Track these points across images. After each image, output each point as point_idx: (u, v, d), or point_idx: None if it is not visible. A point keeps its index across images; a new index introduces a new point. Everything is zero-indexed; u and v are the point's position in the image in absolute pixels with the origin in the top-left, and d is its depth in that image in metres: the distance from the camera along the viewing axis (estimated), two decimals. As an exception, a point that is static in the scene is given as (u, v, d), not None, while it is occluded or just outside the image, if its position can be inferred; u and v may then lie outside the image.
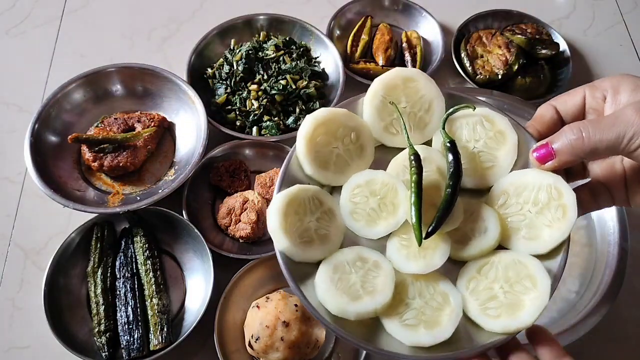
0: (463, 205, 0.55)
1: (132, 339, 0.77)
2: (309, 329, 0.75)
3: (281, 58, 1.00)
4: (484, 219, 0.55)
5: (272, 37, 1.05)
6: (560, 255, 0.53)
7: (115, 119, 0.95)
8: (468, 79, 1.05)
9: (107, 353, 0.77)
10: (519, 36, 1.06)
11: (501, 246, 0.55)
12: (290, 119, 0.97)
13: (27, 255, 0.89)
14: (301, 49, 1.03)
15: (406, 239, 0.55)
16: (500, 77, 1.02)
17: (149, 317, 0.80)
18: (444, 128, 0.57)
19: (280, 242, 0.53)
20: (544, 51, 1.06)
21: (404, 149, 0.58)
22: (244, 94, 0.97)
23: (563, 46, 1.10)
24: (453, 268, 0.55)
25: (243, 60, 0.98)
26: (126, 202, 0.88)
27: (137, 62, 0.98)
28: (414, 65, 1.06)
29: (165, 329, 0.78)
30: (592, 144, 0.50)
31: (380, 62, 1.06)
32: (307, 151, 0.56)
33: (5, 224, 0.92)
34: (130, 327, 0.78)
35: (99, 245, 0.84)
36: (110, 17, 1.17)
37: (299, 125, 0.85)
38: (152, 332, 0.78)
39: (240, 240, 0.88)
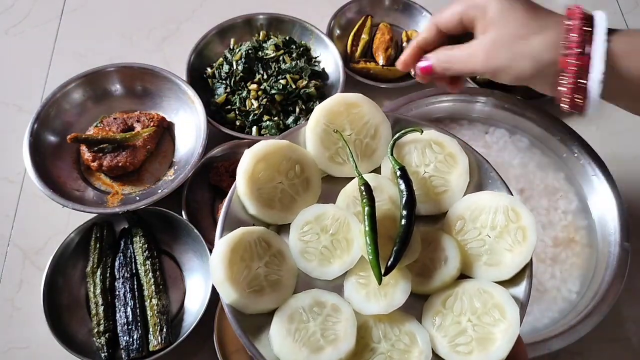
0: (420, 235, 0.53)
1: (131, 340, 0.77)
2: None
3: (281, 57, 1.00)
4: (444, 248, 0.52)
5: (272, 36, 1.05)
6: (525, 281, 0.51)
7: (114, 118, 0.94)
8: (469, 79, 1.04)
9: (106, 354, 0.77)
10: None
11: (463, 275, 0.53)
12: (290, 119, 0.97)
13: (26, 255, 0.89)
14: (301, 49, 1.03)
15: (364, 276, 0.52)
16: None
17: (149, 317, 0.79)
18: (392, 154, 0.55)
19: (228, 294, 0.48)
20: None
21: (352, 178, 0.56)
22: (244, 94, 0.97)
23: None
24: (416, 302, 0.52)
25: (243, 59, 0.98)
26: (125, 202, 0.88)
27: (137, 62, 0.98)
28: None
29: (164, 330, 0.78)
30: (456, 70, 0.65)
31: (381, 61, 1.05)
32: (248, 190, 0.52)
33: (4, 224, 0.92)
34: (130, 327, 0.78)
35: (98, 246, 0.83)
36: (110, 16, 1.17)
37: (300, 124, 0.84)
38: (151, 333, 0.78)
39: None
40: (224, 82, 0.99)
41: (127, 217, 0.86)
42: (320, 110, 0.56)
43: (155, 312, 0.79)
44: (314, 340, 0.48)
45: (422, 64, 0.67)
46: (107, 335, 0.78)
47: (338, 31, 1.11)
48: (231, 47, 1.04)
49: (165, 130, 0.98)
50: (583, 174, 0.85)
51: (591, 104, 0.58)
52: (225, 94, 0.98)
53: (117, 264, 0.84)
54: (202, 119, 0.91)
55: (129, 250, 0.85)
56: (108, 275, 0.83)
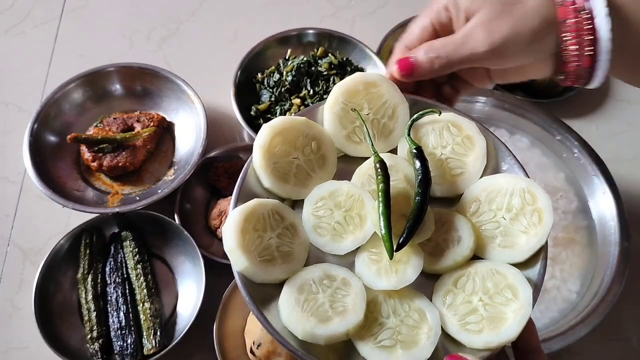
0: (434, 215, 0.53)
1: (125, 344, 0.77)
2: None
3: (332, 77, 0.96)
4: (457, 229, 0.52)
5: (329, 54, 1.00)
6: (539, 263, 0.51)
7: (114, 118, 0.94)
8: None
9: (100, 359, 0.77)
10: None
11: (476, 256, 0.53)
12: None
13: (26, 255, 0.89)
14: (356, 72, 0.99)
15: (376, 253, 0.52)
16: None
17: (142, 321, 0.79)
18: (409, 135, 0.55)
19: (239, 262, 0.49)
20: None
21: (368, 158, 0.56)
22: (287, 106, 0.94)
23: None
24: (427, 282, 0.52)
25: (293, 72, 0.96)
26: (125, 202, 0.88)
27: (137, 62, 0.98)
28: None
29: (158, 333, 0.78)
30: (449, 60, 0.53)
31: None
32: (264, 163, 0.53)
33: (4, 224, 0.92)
34: (123, 332, 0.78)
35: (88, 251, 0.83)
36: (110, 16, 1.17)
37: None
38: (145, 337, 0.78)
39: None
40: (270, 90, 0.97)
41: (116, 220, 0.86)
42: (339, 88, 0.56)
43: (148, 315, 0.79)
44: (322, 311, 0.48)
45: (399, 58, 0.56)
46: (100, 341, 0.78)
47: (392, 44, 1.03)
48: (286, 57, 1.01)
49: (165, 130, 0.98)
50: (583, 174, 0.85)
51: (600, 59, 0.51)
52: (269, 102, 0.96)
53: (107, 269, 0.84)
54: (202, 119, 0.91)
55: (120, 255, 0.84)
56: (99, 280, 0.83)
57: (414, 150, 0.53)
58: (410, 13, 1.07)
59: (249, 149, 0.95)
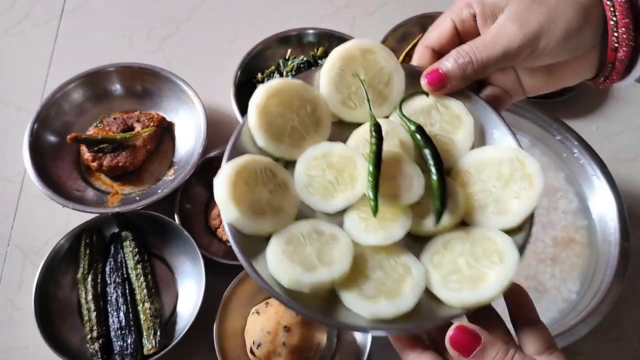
0: (425, 180, 0.53)
1: (125, 344, 0.77)
2: (310, 333, 0.75)
3: None
4: (449, 194, 0.53)
5: (329, 54, 1.00)
6: (526, 229, 0.52)
7: (114, 118, 0.94)
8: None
9: (100, 359, 0.77)
10: None
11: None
12: None
13: (26, 255, 0.89)
14: None
15: (365, 212, 0.52)
16: None
17: (142, 321, 0.79)
18: (400, 109, 0.56)
19: (229, 212, 0.49)
20: None
21: (362, 124, 0.56)
22: None
23: None
24: (417, 246, 0.53)
25: (293, 72, 0.95)
26: (125, 202, 0.88)
27: (136, 62, 0.98)
28: None
29: (158, 333, 0.78)
30: (483, 60, 0.50)
31: None
32: (260, 121, 0.53)
33: (4, 224, 0.92)
34: (123, 332, 0.78)
35: (88, 252, 0.83)
36: (109, 16, 1.17)
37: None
38: (145, 337, 0.78)
39: (228, 244, 0.87)
40: None
41: (116, 220, 0.86)
42: (335, 53, 0.57)
43: (148, 315, 0.79)
44: (309, 261, 0.49)
45: (428, 72, 0.53)
46: (100, 341, 0.78)
47: (393, 44, 1.05)
48: (286, 58, 1.01)
49: (165, 130, 0.98)
50: (583, 174, 0.85)
51: None
52: None
53: (107, 269, 0.84)
54: (202, 119, 0.91)
55: (120, 255, 0.84)
56: (99, 280, 0.83)
57: (413, 126, 0.54)
58: (410, 13, 1.07)
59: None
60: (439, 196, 0.51)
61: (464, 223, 0.54)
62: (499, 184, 0.53)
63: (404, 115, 0.55)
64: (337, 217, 0.53)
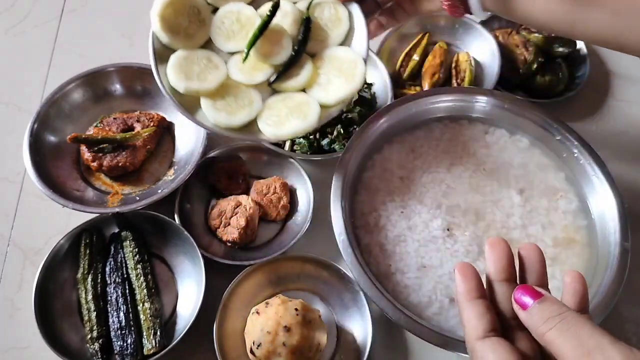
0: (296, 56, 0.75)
1: (125, 344, 0.77)
2: (310, 332, 0.75)
3: None
4: (303, 66, 0.74)
5: None
6: (340, 106, 0.74)
7: (114, 118, 0.94)
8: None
9: (100, 359, 0.77)
10: (536, 34, 1.05)
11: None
12: (325, 141, 0.93)
13: (26, 255, 0.89)
14: None
15: (245, 59, 0.73)
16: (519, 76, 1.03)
17: (142, 321, 0.79)
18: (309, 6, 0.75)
19: (154, 23, 0.72)
20: (560, 49, 1.05)
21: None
22: None
23: (580, 44, 1.09)
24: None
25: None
26: (125, 202, 0.88)
27: (137, 62, 0.98)
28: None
29: (158, 333, 0.78)
30: None
31: (426, 87, 1.00)
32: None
33: (4, 224, 0.92)
34: (123, 332, 0.78)
35: (88, 252, 0.83)
36: (110, 16, 1.17)
37: (332, 148, 0.93)
38: (145, 337, 0.78)
39: (227, 244, 0.87)
40: None
41: (116, 220, 0.86)
42: None
43: (148, 315, 0.79)
44: (191, 74, 0.72)
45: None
46: (100, 341, 0.78)
47: (393, 44, 1.06)
48: None
49: (165, 130, 0.98)
50: (583, 174, 0.84)
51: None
52: None
53: (107, 269, 0.84)
54: (202, 119, 0.91)
55: (120, 255, 0.84)
56: (99, 280, 0.83)
57: (304, 17, 0.74)
58: (410, 13, 1.06)
59: (249, 149, 0.95)
60: (285, 65, 0.73)
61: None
62: (337, 74, 0.74)
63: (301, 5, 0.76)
64: (229, 56, 0.75)
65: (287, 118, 0.72)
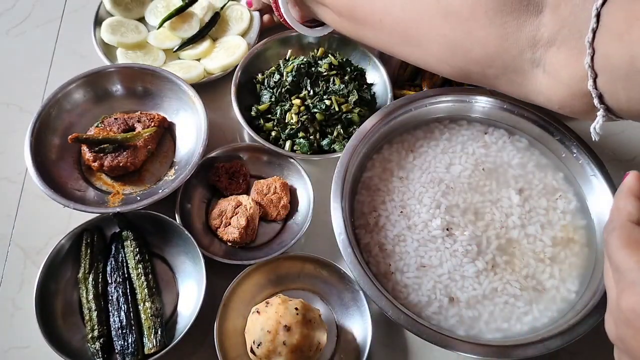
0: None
1: (126, 344, 0.77)
2: (310, 332, 0.75)
3: (332, 78, 0.96)
4: (202, 43, 1.07)
5: (329, 54, 1.00)
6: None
7: (115, 119, 0.95)
8: None
9: (101, 359, 0.77)
10: None
11: None
12: (325, 141, 0.94)
13: (27, 255, 0.90)
14: (355, 73, 0.98)
15: (162, 28, 1.07)
16: None
17: (143, 321, 0.80)
18: None
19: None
20: None
21: None
22: (287, 106, 0.95)
23: None
24: None
25: (293, 72, 0.95)
26: (126, 202, 0.88)
27: (137, 62, 0.98)
28: None
29: (159, 332, 0.78)
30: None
31: (425, 87, 1.00)
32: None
33: (5, 224, 0.92)
34: (124, 331, 0.78)
35: (89, 251, 0.83)
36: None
37: (332, 148, 0.93)
38: (146, 336, 0.78)
39: (228, 244, 0.87)
40: (270, 90, 0.97)
41: (117, 219, 0.86)
42: None
43: (149, 315, 0.79)
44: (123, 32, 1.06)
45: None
46: (101, 340, 0.78)
47: None
48: (287, 58, 1.01)
49: (166, 131, 0.98)
50: (582, 174, 0.85)
51: None
52: (270, 103, 0.96)
53: (108, 268, 0.84)
54: (202, 120, 0.92)
55: (120, 255, 0.85)
56: (100, 280, 0.83)
57: (215, 12, 1.02)
58: (410, 13, 1.06)
59: (249, 149, 0.96)
60: (189, 39, 1.04)
61: None
62: (224, 52, 1.03)
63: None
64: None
65: (178, 72, 0.99)
